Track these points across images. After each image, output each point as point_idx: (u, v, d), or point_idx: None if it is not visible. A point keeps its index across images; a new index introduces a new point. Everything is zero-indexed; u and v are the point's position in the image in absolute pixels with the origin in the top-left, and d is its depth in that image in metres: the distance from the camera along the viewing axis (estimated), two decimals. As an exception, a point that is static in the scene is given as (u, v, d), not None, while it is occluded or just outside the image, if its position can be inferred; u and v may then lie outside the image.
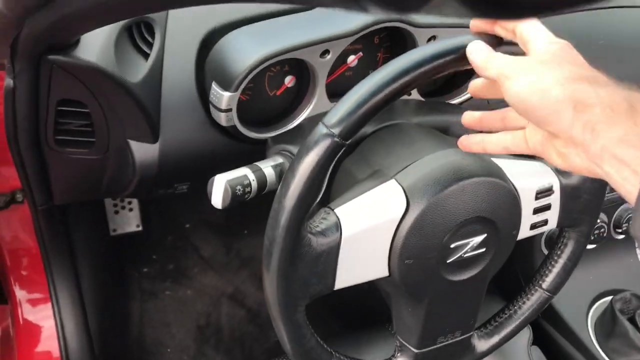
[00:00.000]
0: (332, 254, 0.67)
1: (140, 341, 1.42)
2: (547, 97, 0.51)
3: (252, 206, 1.54)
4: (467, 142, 0.66)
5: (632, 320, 1.13)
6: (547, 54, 0.55)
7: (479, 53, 0.58)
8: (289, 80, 0.86)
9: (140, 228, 1.53)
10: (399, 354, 0.83)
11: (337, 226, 0.67)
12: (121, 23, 0.77)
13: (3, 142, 0.86)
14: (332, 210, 0.69)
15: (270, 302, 0.68)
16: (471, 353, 0.87)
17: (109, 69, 0.73)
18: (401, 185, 0.70)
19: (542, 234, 1.16)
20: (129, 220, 1.52)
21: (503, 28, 0.61)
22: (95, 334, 1.20)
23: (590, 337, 1.16)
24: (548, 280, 0.87)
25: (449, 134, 0.87)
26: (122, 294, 1.47)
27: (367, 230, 0.69)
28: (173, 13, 0.82)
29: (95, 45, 0.73)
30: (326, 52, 0.81)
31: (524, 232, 0.80)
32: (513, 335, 0.90)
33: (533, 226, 0.81)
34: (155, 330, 1.44)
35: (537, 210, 0.80)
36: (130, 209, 1.52)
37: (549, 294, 0.88)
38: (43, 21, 0.60)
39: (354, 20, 0.81)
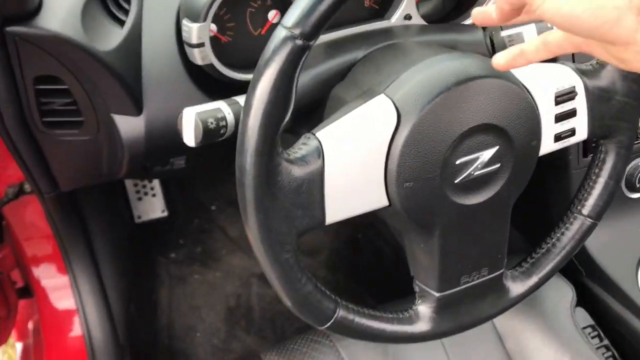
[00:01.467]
0: (314, 182, 0.59)
1: (169, 327, 1.40)
2: (601, 5, 0.46)
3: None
4: (506, 57, 0.59)
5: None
6: None
7: None
8: (272, 16, 0.79)
9: (165, 213, 1.51)
10: (419, 301, 0.73)
11: (319, 151, 0.59)
12: (90, -10, 0.72)
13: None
14: (314, 135, 0.61)
15: (252, 242, 0.61)
16: (505, 296, 0.77)
17: (75, 37, 0.69)
18: (391, 99, 0.62)
19: (576, 148, 1.03)
20: (153, 206, 1.50)
21: None
22: (119, 322, 1.18)
23: (642, 295, 1.06)
24: (589, 205, 0.76)
25: None
26: (149, 281, 1.46)
27: (354, 153, 0.61)
28: (149, -24, 0.77)
29: (59, 13, 0.69)
30: None
31: (548, 145, 0.70)
32: (553, 273, 0.78)
33: (558, 137, 0.71)
34: (184, 315, 1.42)
35: (559, 118, 0.69)
36: (154, 195, 1.50)
37: (591, 220, 0.77)
38: None
39: None
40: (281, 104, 0.54)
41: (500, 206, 0.69)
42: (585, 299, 1.08)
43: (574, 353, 0.99)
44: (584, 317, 1.05)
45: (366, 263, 1.55)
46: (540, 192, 1.11)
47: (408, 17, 0.82)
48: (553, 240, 0.78)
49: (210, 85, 0.80)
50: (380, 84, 0.64)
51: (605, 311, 1.09)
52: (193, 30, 0.71)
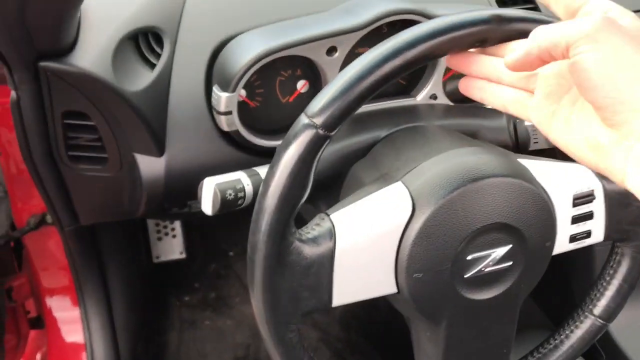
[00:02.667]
0: (324, 264, 0.59)
1: (175, 371, 1.39)
2: (624, 75, 0.41)
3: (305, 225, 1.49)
4: (467, 84, 0.56)
5: None
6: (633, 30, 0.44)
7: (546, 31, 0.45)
8: (301, 86, 0.81)
9: (183, 255, 1.51)
10: None
11: (331, 233, 0.59)
12: (124, 31, 0.74)
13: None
14: (328, 216, 0.61)
15: (258, 319, 0.61)
16: None
17: (103, 76, 0.71)
18: (407, 188, 0.62)
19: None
20: (172, 247, 1.51)
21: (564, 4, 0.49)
22: (125, 361, 1.17)
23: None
24: (600, 306, 0.74)
25: (478, 138, 0.78)
26: (160, 322, 1.45)
27: (366, 238, 0.60)
28: (185, 24, 0.80)
29: (92, 52, 0.71)
30: (333, 49, 0.75)
31: (562, 246, 0.69)
32: None
33: (573, 238, 0.70)
34: (191, 360, 1.40)
35: (576, 220, 0.69)
36: (174, 236, 1.51)
37: (602, 321, 0.75)
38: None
39: (363, 15, 0.75)
40: (297, 189, 0.55)
41: (509, 303, 0.68)
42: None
43: None
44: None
45: (381, 325, 1.52)
46: (562, 267, 1.08)
47: (434, 96, 0.84)
48: (562, 337, 0.76)
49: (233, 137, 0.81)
50: (398, 170, 0.64)
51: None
52: (222, 100, 0.73)
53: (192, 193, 0.87)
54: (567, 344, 0.76)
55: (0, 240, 1.05)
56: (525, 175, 0.64)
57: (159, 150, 0.79)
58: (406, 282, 0.62)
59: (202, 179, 0.81)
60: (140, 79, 0.76)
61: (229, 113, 0.75)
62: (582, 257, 1.05)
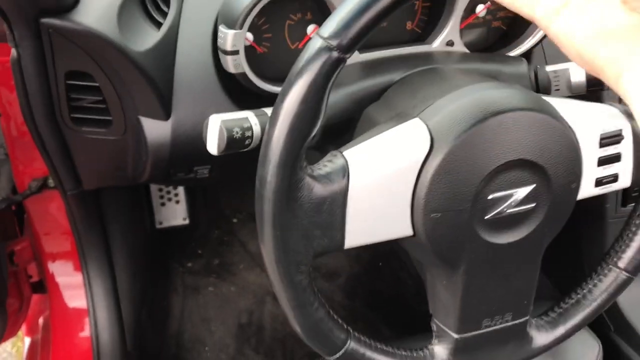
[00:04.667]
0: (337, 202, 0.56)
1: (178, 337, 1.38)
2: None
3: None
4: None
5: None
6: None
7: None
8: (311, 30, 0.77)
9: (186, 221, 1.49)
10: (436, 341, 0.69)
11: (344, 170, 0.56)
12: (130, -11, 0.71)
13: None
14: (341, 153, 0.58)
15: (266, 259, 0.58)
16: (528, 345, 0.72)
17: (109, 35, 0.68)
18: (425, 124, 0.59)
19: (615, 195, 0.98)
20: (175, 213, 1.49)
21: None
22: (129, 327, 1.17)
23: (672, 355, 1.01)
24: (626, 257, 0.71)
25: None
26: (163, 288, 1.44)
27: (382, 176, 0.57)
28: (192, -18, 0.76)
29: (96, 9, 0.68)
30: None
31: (588, 189, 0.66)
32: (581, 326, 0.74)
33: (599, 182, 0.67)
34: (194, 326, 1.40)
35: (602, 162, 0.66)
36: (177, 201, 1.49)
37: (627, 274, 0.71)
38: None
39: None
40: (309, 117, 0.52)
41: (532, 248, 0.65)
42: (612, 356, 1.03)
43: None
44: (609, 375, 1.00)
45: (385, 292, 1.52)
46: (573, 238, 1.06)
47: (450, 43, 0.80)
48: (584, 291, 0.73)
49: (242, 95, 0.78)
50: (415, 107, 0.61)
51: (631, 370, 1.04)
52: (228, 37, 0.70)
53: (198, 157, 0.84)
54: (590, 297, 0.73)
55: (2, 203, 1.03)
56: (550, 111, 0.60)
57: (166, 114, 0.76)
58: (423, 223, 0.59)
59: (209, 142, 0.79)
60: (147, 38, 0.73)
61: (235, 52, 0.71)
62: (594, 229, 1.03)
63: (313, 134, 0.53)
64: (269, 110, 0.69)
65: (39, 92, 0.77)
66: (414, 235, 0.61)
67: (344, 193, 0.56)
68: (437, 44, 0.80)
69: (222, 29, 0.71)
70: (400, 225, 0.60)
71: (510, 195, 0.60)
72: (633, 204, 0.73)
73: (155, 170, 0.82)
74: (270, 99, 0.77)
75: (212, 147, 0.65)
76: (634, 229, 0.71)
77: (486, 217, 0.60)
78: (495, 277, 0.65)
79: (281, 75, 0.78)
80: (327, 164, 0.57)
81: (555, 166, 0.60)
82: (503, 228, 0.62)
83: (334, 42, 0.49)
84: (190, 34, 0.76)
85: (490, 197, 0.59)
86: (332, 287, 1.48)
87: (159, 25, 0.75)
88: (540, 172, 0.60)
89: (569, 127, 0.62)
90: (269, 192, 0.53)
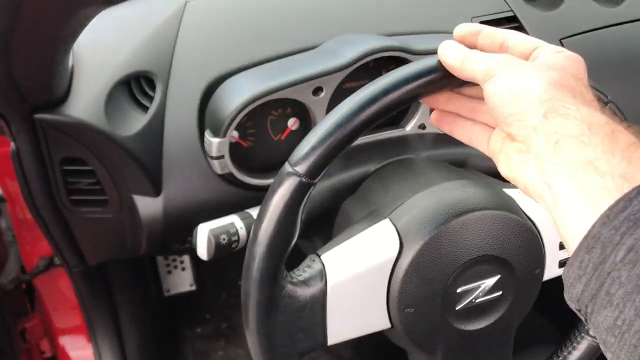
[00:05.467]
0: (317, 305, 0.61)
1: (189, 404, 1.39)
2: (520, 94, 0.45)
3: (303, 258, 1.50)
4: (437, 117, 0.58)
5: None
6: (545, 60, 0.48)
7: (454, 53, 0.50)
8: (292, 123, 0.83)
9: (193, 287, 1.52)
10: None
11: (322, 274, 0.61)
12: (116, 78, 0.77)
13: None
14: (319, 256, 0.63)
15: None
16: None
17: (97, 124, 0.73)
18: (395, 225, 0.63)
19: None
20: (182, 279, 1.52)
21: (491, 38, 0.53)
22: (140, 397, 1.18)
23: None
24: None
25: (467, 167, 0.79)
26: (174, 355, 1.46)
27: (356, 277, 0.62)
28: (176, 64, 0.82)
29: (85, 101, 0.74)
30: (319, 89, 0.77)
31: (552, 271, 0.71)
32: None
33: (562, 263, 0.71)
34: (205, 392, 1.41)
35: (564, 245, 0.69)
36: (183, 268, 1.52)
37: (597, 342, 0.75)
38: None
39: (347, 55, 0.77)
40: (285, 236, 0.56)
41: (503, 331, 0.69)
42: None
43: None
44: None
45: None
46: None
47: (422, 126, 0.85)
48: (559, 358, 0.77)
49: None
50: (386, 207, 0.66)
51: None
52: (213, 145, 0.75)
53: (191, 229, 0.89)
54: None
55: (12, 283, 1.07)
56: (509, 206, 0.65)
57: (156, 191, 0.81)
58: (399, 317, 0.63)
59: (200, 216, 0.83)
60: (134, 122, 0.78)
61: (221, 157, 0.77)
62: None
63: (289, 248, 0.57)
64: (252, 211, 0.74)
65: (38, 179, 0.82)
66: (392, 327, 0.65)
67: (323, 296, 0.61)
68: (410, 127, 0.85)
69: (207, 136, 0.76)
70: (378, 320, 0.64)
71: (478, 287, 0.64)
72: None
73: (151, 243, 0.86)
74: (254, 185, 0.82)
75: (202, 254, 0.71)
76: None
77: (457, 308, 0.65)
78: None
79: (265, 165, 0.84)
80: (307, 270, 0.62)
81: (517, 257, 0.65)
82: (474, 316, 0.66)
83: (302, 170, 0.54)
84: (176, 115, 0.81)
85: (459, 290, 0.64)
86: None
87: (145, 109, 0.80)
88: (504, 264, 0.64)
89: (529, 219, 0.66)
90: (253, 305, 0.58)
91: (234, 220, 0.72)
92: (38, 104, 0.70)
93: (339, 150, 0.54)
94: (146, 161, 0.78)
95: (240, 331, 1.49)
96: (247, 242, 0.68)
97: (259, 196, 0.83)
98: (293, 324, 0.60)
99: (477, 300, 0.65)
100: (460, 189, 0.65)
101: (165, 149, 0.80)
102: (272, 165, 0.85)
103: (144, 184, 0.80)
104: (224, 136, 0.75)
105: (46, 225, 0.89)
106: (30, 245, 1.12)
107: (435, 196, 0.64)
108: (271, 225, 0.55)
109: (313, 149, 0.54)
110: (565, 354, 0.77)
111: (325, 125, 0.54)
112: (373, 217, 0.66)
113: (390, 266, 0.62)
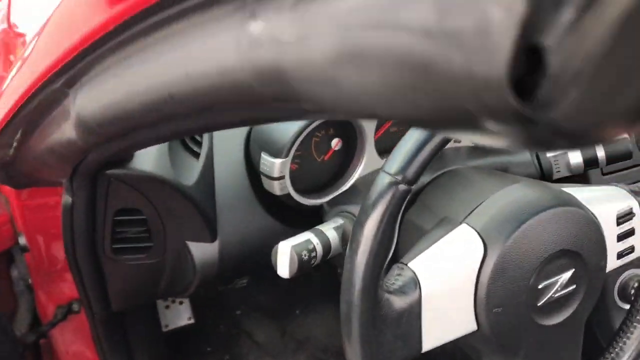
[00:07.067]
0: (414, 312, 0.63)
1: None
2: None
3: (301, 284, 1.52)
4: None
5: None
6: None
7: None
8: (335, 143, 0.86)
9: (192, 320, 1.51)
10: None
11: (415, 281, 0.63)
12: (171, 127, 0.77)
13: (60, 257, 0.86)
14: (406, 264, 0.65)
15: None
16: None
17: (166, 176, 0.74)
18: (474, 229, 0.66)
19: (614, 283, 1.09)
20: (180, 314, 1.50)
21: None
22: None
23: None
24: (631, 344, 0.80)
25: (509, 173, 0.84)
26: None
27: (448, 282, 0.65)
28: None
29: (151, 156, 0.74)
30: None
31: (612, 263, 0.75)
32: None
33: (620, 255, 0.76)
34: None
35: (621, 237, 0.75)
36: (181, 302, 1.50)
37: None
38: (112, 149, 0.60)
39: None
40: (386, 244, 0.59)
41: (576, 323, 0.74)
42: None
43: None
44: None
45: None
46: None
47: (457, 140, 0.89)
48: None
49: (279, 209, 0.85)
50: (457, 213, 0.69)
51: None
52: (275, 166, 0.77)
53: (243, 271, 0.90)
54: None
55: (31, 335, 1.04)
56: (576, 203, 0.70)
57: (212, 236, 0.82)
58: (486, 318, 0.66)
59: (253, 257, 0.85)
60: (191, 170, 0.79)
61: (282, 178, 0.78)
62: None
63: (389, 255, 0.60)
64: (322, 227, 0.75)
65: (85, 231, 0.81)
66: (478, 329, 0.68)
67: (419, 302, 0.63)
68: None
69: (267, 157, 0.78)
70: (466, 323, 0.67)
71: (556, 282, 0.68)
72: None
73: (202, 286, 0.87)
74: (304, 210, 0.84)
75: (284, 271, 0.71)
76: (637, 315, 0.79)
77: (539, 304, 0.68)
78: (549, 355, 0.73)
79: (311, 186, 0.86)
80: (398, 278, 0.64)
81: (588, 250, 0.69)
82: (552, 311, 0.70)
83: (400, 177, 0.57)
84: (224, 158, 0.83)
85: (540, 286, 0.68)
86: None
87: (196, 155, 0.81)
88: (577, 257, 0.69)
89: (592, 213, 0.71)
90: (356, 314, 0.59)
91: (310, 237, 0.73)
92: (112, 161, 0.70)
93: (434, 155, 0.58)
94: (205, 207, 0.79)
95: (244, 361, 1.49)
96: (323, 257, 0.70)
97: (300, 232, 0.86)
98: (393, 332, 0.62)
99: (556, 295, 0.69)
100: (531, 188, 0.69)
101: (218, 194, 0.82)
102: (316, 186, 0.87)
103: (202, 230, 0.80)
104: (287, 156, 0.77)
105: (80, 274, 0.88)
106: (47, 295, 1.08)
107: (510, 197, 0.68)
108: (372, 234, 0.58)
109: (411, 155, 0.57)
110: (620, 344, 0.80)
111: (418, 133, 0.57)
112: (446, 224, 0.69)
113: (477, 268, 0.65)
